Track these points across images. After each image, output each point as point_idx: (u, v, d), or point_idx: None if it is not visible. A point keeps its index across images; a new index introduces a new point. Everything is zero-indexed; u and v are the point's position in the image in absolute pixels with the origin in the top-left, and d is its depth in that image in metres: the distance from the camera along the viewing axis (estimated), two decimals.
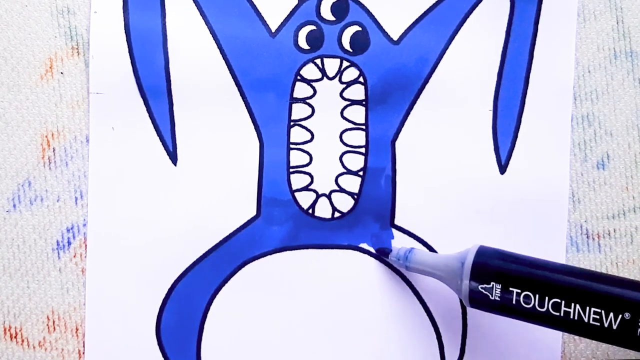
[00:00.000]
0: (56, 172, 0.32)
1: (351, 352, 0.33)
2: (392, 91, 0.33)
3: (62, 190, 0.32)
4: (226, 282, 0.33)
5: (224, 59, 0.33)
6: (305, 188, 0.33)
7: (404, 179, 0.33)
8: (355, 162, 0.33)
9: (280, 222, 0.33)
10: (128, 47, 0.32)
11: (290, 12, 0.33)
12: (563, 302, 0.26)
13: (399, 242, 0.33)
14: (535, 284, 0.26)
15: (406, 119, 0.33)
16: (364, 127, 0.33)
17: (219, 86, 0.33)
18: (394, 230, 0.33)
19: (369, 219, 0.33)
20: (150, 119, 0.32)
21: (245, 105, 0.33)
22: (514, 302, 0.27)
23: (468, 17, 0.33)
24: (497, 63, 0.33)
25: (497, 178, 0.33)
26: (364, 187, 0.33)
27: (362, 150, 0.33)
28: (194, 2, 0.33)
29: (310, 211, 0.33)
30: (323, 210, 0.33)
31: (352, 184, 0.33)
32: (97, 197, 0.32)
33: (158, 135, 0.32)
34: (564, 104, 0.33)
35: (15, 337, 0.32)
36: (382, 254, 0.32)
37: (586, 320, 0.25)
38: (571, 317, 0.26)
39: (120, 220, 0.32)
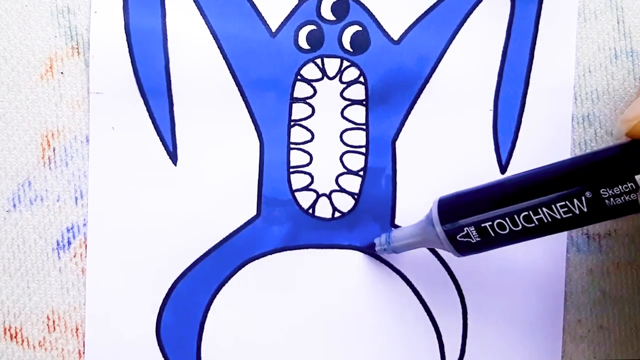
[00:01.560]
0: (56, 172, 0.32)
1: (351, 352, 0.33)
2: (392, 91, 0.33)
3: (62, 190, 0.32)
4: (226, 282, 0.33)
5: (224, 59, 0.33)
6: (306, 188, 0.33)
7: (404, 179, 0.33)
8: (356, 162, 0.33)
9: (281, 222, 0.33)
10: (128, 47, 0.32)
11: (291, 12, 0.33)
12: (530, 212, 0.26)
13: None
14: (499, 210, 0.27)
15: (406, 118, 0.33)
16: (364, 127, 0.33)
17: (219, 86, 0.33)
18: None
19: (369, 219, 0.33)
20: (150, 119, 0.32)
21: (245, 105, 0.33)
22: (493, 235, 0.27)
23: (468, 17, 0.33)
24: (497, 63, 0.33)
25: (497, 178, 0.33)
26: (364, 187, 0.33)
27: (363, 150, 0.33)
28: (194, 2, 0.33)
29: (310, 211, 0.33)
30: (323, 210, 0.33)
31: (353, 184, 0.33)
32: (97, 197, 0.32)
33: (158, 135, 0.32)
34: (565, 104, 0.33)
35: (15, 337, 0.32)
36: (369, 250, 0.33)
37: (559, 216, 0.26)
38: (545, 220, 0.26)
39: (120, 220, 0.32)
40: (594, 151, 0.27)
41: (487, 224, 0.27)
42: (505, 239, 0.27)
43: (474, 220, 0.28)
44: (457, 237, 0.28)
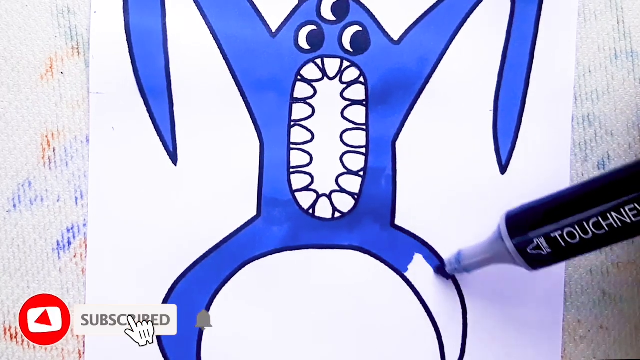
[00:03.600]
0: (56, 172, 0.32)
1: (351, 352, 0.33)
2: (392, 91, 0.33)
3: (62, 190, 0.32)
4: (226, 282, 0.33)
5: (224, 59, 0.33)
6: (306, 188, 0.33)
7: (404, 179, 0.33)
8: (356, 162, 0.33)
9: (281, 222, 0.33)
10: (128, 47, 0.32)
11: (291, 12, 0.33)
12: (599, 218, 0.26)
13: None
14: (567, 218, 0.27)
15: (407, 119, 0.33)
16: (364, 127, 0.33)
17: (219, 86, 0.33)
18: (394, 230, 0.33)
19: (369, 219, 0.33)
20: (151, 119, 0.32)
21: (246, 105, 0.33)
22: (563, 245, 0.27)
23: (469, 17, 0.33)
24: (497, 63, 0.33)
25: (497, 178, 0.33)
26: (364, 187, 0.33)
27: (363, 150, 0.33)
28: (194, 2, 0.33)
29: (310, 211, 0.33)
30: (323, 210, 0.33)
31: (353, 184, 0.33)
32: (97, 197, 0.32)
33: (158, 135, 0.32)
34: (565, 104, 0.33)
35: (15, 337, 0.32)
36: (440, 272, 0.33)
37: (629, 220, 0.26)
38: (615, 226, 0.26)
39: (120, 220, 0.32)
40: None
41: (556, 234, 0.27)
42: (576, 248, 0.27)
43: (543, 231, 0.27)
44: (528, 250, 0.28)
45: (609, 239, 0.27)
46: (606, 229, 0.26)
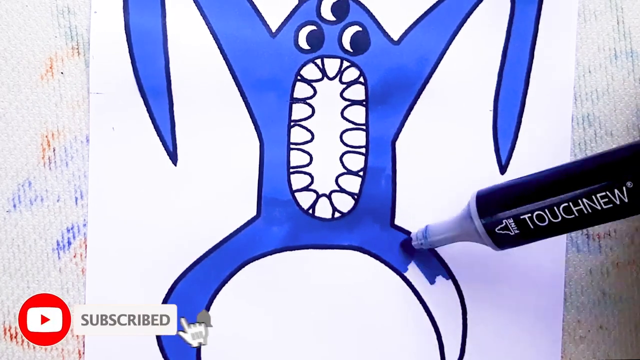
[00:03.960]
0: (56, 172, 0.32)
1: (351, 352, 0.33)
2: (392, 91, 0.33)
3: (62, 190, 0.32)
4: (226, 282, 0.33)
5: (224, 59, 0.33)
6: (306, 188, 0.33)
7: (404, 179, 0.33)
8: (356, 162, 0.33)
9: (281, 222, 0.33)
10: (128, 47, 0.32)
11: (291, 12, 0.33)
12: (570, 203, 0.26)
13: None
14: (538, 202, 0.27)
15: (406, 119, 0.33)
16: (364, 127, 0.33)
17: (219, 86, 0.33)
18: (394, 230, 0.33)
19: (369, 219, 0.33)
20: (150, 119, 0.32)
21: (246, 105, 0.33)
22: (532, 227, 0.27)
23: (468, 17, 0.33)
24: (497, 63, 0.33)
25: (497, 178, 0.33)
26: (364, 187, 0.33)
27: (362, 150, 0.33)
28: (194, 2, 0.33)
29: (310, 211, 0.33)
30: (323, 210, 0.33)
31: (352, 184, 0.33)
32: (97, 197, 0.32)
33: (158, 135, 0.32)
34: (565, 104, 0.33)
35: (15, 337, 0.32)
36: (405, 247, 0.33)
37: (599, 207, 0.26)
38: (585, 212, 0.26)
39: (120, 220, 0.32)
40: (637, 141, 0.27)
41: (526, 216, 0.27)
42: (544, 231, 0.27)
43: (513, 212, 0.27)
44: (496, 230, 0.28)
45: (578, 224, 0.27)
46: (576, 214, 0.26)
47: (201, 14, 0.33)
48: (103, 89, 0.32)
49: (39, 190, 0.32)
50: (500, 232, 0.28)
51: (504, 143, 0.33)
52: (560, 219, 0.27)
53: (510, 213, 0.27)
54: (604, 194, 0.26)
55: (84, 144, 0.32)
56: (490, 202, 0.28)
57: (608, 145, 0.33)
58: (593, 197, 0.26)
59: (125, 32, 0.32)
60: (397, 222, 0.33)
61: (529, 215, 0.27)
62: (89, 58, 0.32)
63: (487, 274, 0.33)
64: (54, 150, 0.32)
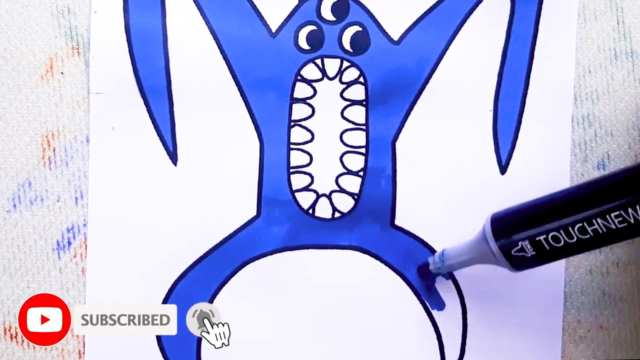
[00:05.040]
0: (56, 172, 0.32)
1: (351, 352, 0.33)
2: (392, 91, 0.33)
3: (62, 190, 0.32)
4: (226, 282, 0.33)
5: (224, 59, 0.33)
6: (306, 188, 0.33)
7: (404, 179, 0.33)
8: (356, 162, 0.33)
9: (281, 222, 0.33)
10: (128, 47, 0.32)
11: (291, 12, 0.33)
12: (585, 223, 0.26)
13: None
14: (552, 223, 0.27)
15: (406, 119, 0.33)
16: (364, 127, 0.33)
17: (219, 86, 0.33)
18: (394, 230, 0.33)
19: (369, 219, 0.33)
20: (150, 119, 0.32)
21: (245, 105, 0.33)
22: (548, 248, 0.27)
23: (468, 17, 0.33)
24: (497, 63, 0.33)
25: (497, 178, 0.33)
26: (364, 187, 0.33)
27: (363, 150, 0.33)
28: (194, 2, 0.33)
29: (310, 211, 0.33)
30: (323, 210, 0.33)
31: (352, 184, 0.33)
32: (97, 197, 0.32)
33: (158, 135, 0.32)
34: (565, 104, 0.33)
35: (15, 337, 0.32)
36: (423, 271, 0.33)
37: (614, 227, 0.26)
38: (600, 231, 0.26)
39: (120, 220, 0.32)
40: None
41: (541, 237, 0.27)
42: (560, 252, 0.27)
43: (529, 234, 0.27)
44: (512, 253, 0.28)
45: (594, 244, 0.27)
46: (591, 234, 0.26)
47: (201, 14, 0.33)
48: (103, 89, 0.32)
49: (39, 190, 0.32)
50: (517, 254, 0.28)
51: (504, 143, 0.33)
52: (575, 239, 0.27)
53: (525, 234, 0.27)
54: (618, 213, 0.26)
55: (84, 144, 0.32)
56: (505, 225, 0.28)
57: (608, 145, 0.33)
58: (607, 216, 0.26)
59: (125, 32, 0.32)
60: (397, 222, 0.33)
61: (544, 236, 0.27)
62: (89, 58, 0.32)
63: (487, 274, 0.33)
64: (54, 150, 0.32)
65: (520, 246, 0.28)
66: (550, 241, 0.27)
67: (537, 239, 0.27)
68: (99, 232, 0.32)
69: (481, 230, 0.29)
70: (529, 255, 0.28)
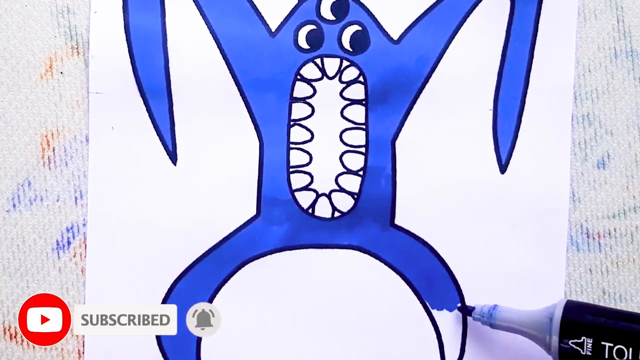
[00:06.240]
0: (56, 172, 0.32)
1: (351, 352, 0.33)
2: (392, 91, 0.33)
3: (61, 190, 0.32)
4: (226, 281, 0.33)
5: (224, 58, 0.33)
6: (305, 188, 0.33)
7: (404, 179, 0.33)
8: (355, 161, 0.33)
9: (280, 222, 0.33)
10: (128, 47, 0.32)
11: (290, 11, 0.33)
12: None
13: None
14: (628, 338, 0.26)
15: (406, 118, 0.33)
16: (364, 126, 0.33)
17: (219, 86, 0.33)
18: (393, 229, 0.33)
19: (369, 219, 0.33)
20: (150, 119, 0.32)
21: (245, 105, 0.33)
22: (606, 356, 0.26)
23: (468, 16, 0.33)
24: (497, 63, 0.33)
25: (497, 177, 0.33)
26: (364, 187, 0.33)
27: (362, 149, 0.33)
28: (194, 2, 0.33)
29: (310, 211, 0.33)
30: (323, 210, 0.33)
31: (352, 183, 0.33)
32: (97, 197, 0.32)
33: (158, 135, 0.32)
34: (565, 103, 0.33)
35: (15, 337, 0.32)
36: (464, 312, 0.32)
37: None
38: None
39: (120, 220, 0.32)
40: None
41: (608, 343, 0.26)
42: None
43: (598, 337, 0.26)
44: (570, 342, 0.27)
45: None
46: None
47: (201, 14, 0.33)
48: (103, 89, 0.32)
49: (39, 190, 0.32)
50: (573, 345, 0.27)
51: (504, 142, 0.33)
52: None
53: (594, 335, 0.27)
54: None
55: (84, 144, 0.32)
56: (576, 325, 0.27)
57: (608, 144, 0.33)
58: None
59: (125, 32, 0.32)
60: (397, 221, 0.33)
61: (611, 344, 0.26)
62: (88, 58, 0.32)
63: (487, 274, 0.33)
64: (53, 150, 0.32)
65: (582, 340, 0.27)
66: (614, 352, 0.26)
67: (602, 343, 0.26)
68: (99, 231, 0.32)
69: (546, 309, 0.29)
70: (584, 352, 0.27)
